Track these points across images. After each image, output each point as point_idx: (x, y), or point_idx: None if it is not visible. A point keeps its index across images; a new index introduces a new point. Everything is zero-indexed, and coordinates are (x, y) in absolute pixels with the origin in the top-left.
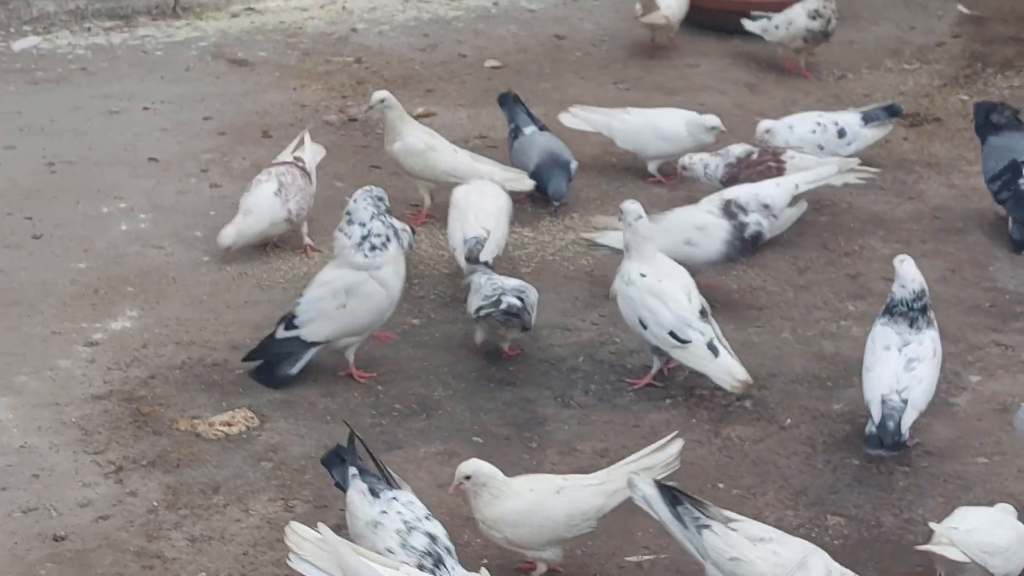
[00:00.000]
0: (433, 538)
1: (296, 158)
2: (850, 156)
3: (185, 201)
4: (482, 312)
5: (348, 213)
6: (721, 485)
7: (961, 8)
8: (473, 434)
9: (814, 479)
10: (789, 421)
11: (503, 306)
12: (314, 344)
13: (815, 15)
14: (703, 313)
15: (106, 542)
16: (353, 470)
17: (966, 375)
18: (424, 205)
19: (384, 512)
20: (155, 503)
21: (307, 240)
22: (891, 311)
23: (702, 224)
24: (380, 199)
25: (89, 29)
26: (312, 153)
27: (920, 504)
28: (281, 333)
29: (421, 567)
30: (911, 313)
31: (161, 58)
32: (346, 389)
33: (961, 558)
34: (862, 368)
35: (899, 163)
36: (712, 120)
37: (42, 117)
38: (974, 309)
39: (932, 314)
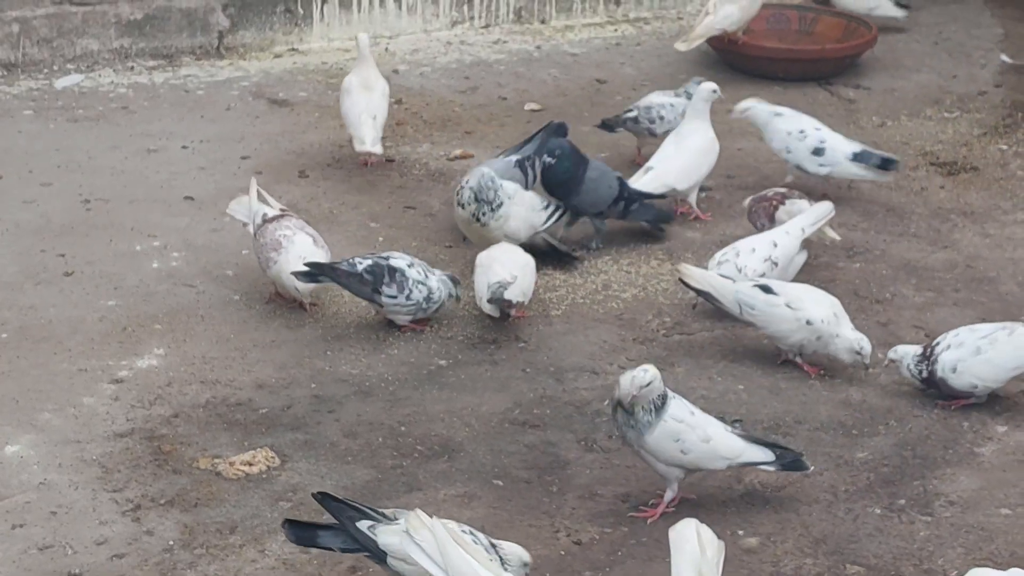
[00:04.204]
0: None
1: (283, 209)
2: (822, 177)
3: (218, 239)
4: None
5: None
6: (741, 532)
7: (1004, 58)
8: (494, 477)
9: (835, 527)
10: (812, 468)
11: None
12: None
13: None
14: None
15: None
16: (365, 523)
17: (993, 425)
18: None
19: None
20: (171, 542)
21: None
22: None
23: None
24: None
25: (132, 68)
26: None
27: (940, 555)
28: None
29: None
30: None
31: (202, 97)
32: (368, 430)
33: None
34: None
35: (935, 211)
36: (709, 85)
37: (80, 155)
38: None
39: None
